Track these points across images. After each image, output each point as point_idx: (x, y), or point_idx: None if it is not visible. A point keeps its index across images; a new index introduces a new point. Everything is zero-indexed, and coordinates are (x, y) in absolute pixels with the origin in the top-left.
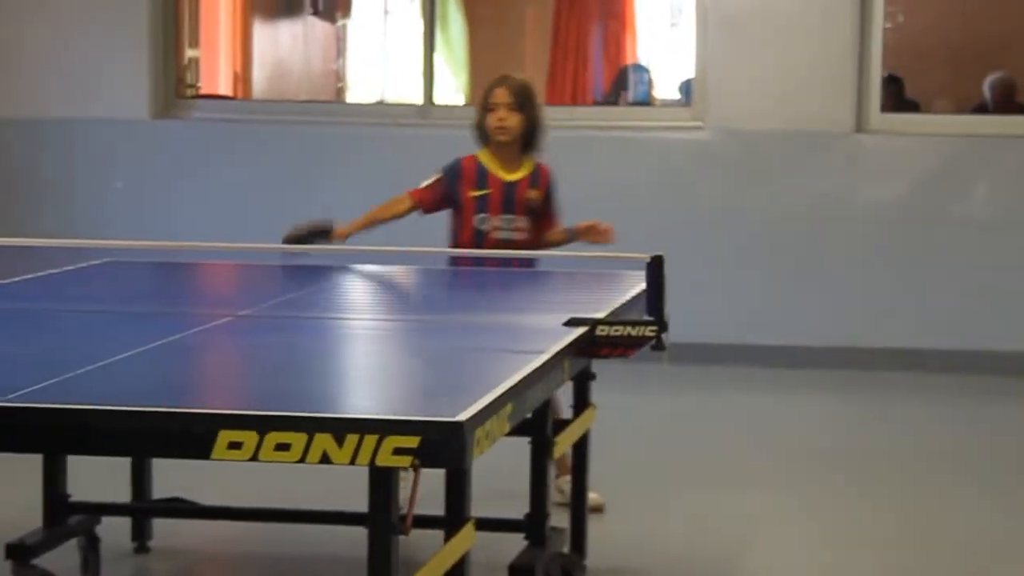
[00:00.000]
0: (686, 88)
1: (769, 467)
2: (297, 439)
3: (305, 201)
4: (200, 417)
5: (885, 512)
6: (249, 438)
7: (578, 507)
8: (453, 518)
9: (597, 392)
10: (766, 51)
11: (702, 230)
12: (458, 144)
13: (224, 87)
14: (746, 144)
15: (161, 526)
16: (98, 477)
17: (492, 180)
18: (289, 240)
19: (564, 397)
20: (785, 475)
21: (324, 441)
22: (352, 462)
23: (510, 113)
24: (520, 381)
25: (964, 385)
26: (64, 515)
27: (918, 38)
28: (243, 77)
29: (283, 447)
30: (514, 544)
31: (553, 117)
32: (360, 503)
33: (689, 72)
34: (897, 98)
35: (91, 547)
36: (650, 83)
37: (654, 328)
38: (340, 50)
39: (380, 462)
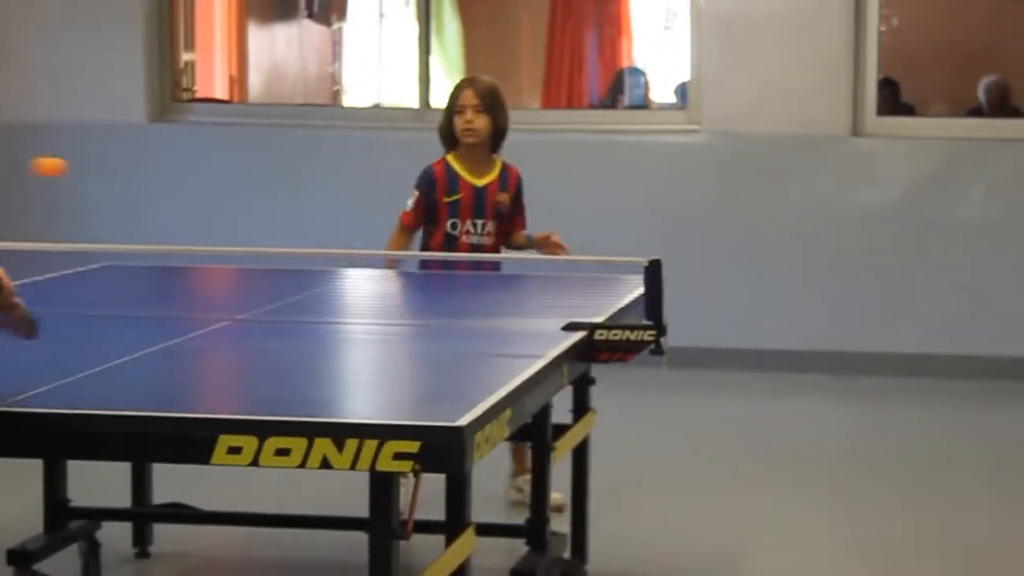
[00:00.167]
0: (682, 91)
1: (768, 471)
2: (297, 444)
3: (301, 204)
4: (200, 422)
5: (886, 516)
6: (249, 443)
7: (578, 511)
8: (454, 523)
9: (596, 396)
10: (761, 54)
11: (699, 234)
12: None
13: (220, 90)
14: (742, 147)
15: (162, 531)
16: (98, 482)
17: (463, 184)
18: None
19: (563, 401)
20: (785, 479)
21: (324, 446)
22: (352, 467)
23: (477, 115)
24: (519, 386)
25: (960, 389)
26: (65, 520)
27: (913, 41)
28: (239, 80)
29: (283, 452)
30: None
31: (549, 121)
32: (361, 508)
33: (684, 75)
34: (892, 101)
35: (92, 552)
36: (646, 86)
37: (653, 332)
38: (336, 53)
39: (380, 467)
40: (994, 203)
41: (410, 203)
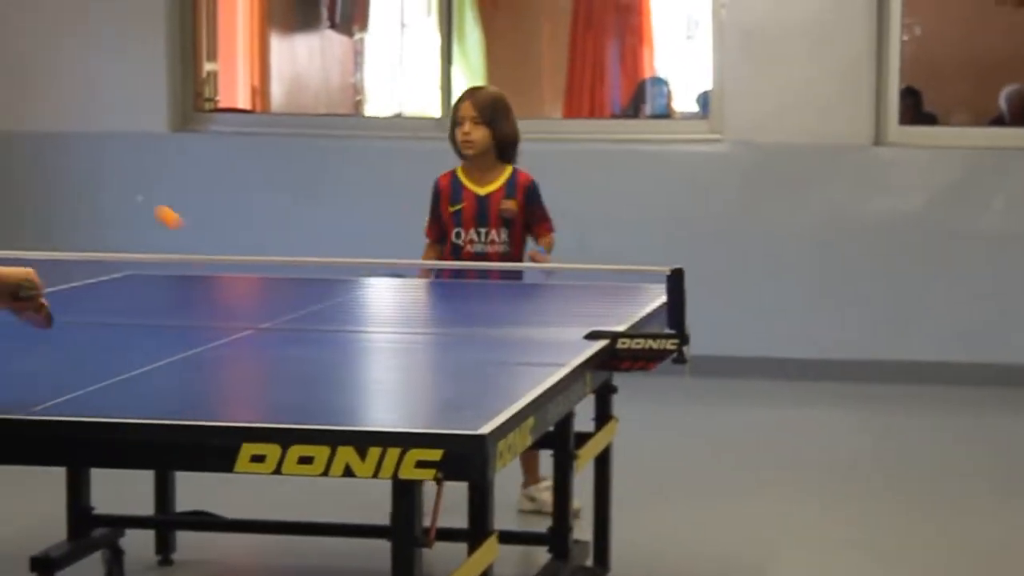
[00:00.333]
0: (704, 101)
1: (789, 479)
2: (320, 452)
3: (323, 214)
4: (223, 430)
5: (904, 523)
6: (272, 451)
7: (600, 519)
8: (476, 531)
9: (618, 405)
10: (783, 64)
11: (721, 243)
12: None
13: (242, 100)
14: (764, 157)
15: (185, 539)
16: (122, 490)
17: (466, 194)
18: None
19: (585, 410)
20: (805, 487)
21: (347, 454)
22: (375, 475)
23: (475, 127)
24: (542, 394)
25: (978, 398)
26: (88, 528)
27: (936, 51)
28: (261, 90)
29: (306, 460)
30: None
31: (571, 130)
32: (383, 516)
33: (706, 85)
34: (915, 111)
35: (115, 560)
36: (668, 96)
37: (675, 341)
38: (357, 63)
39: (403, 475)
40: (1016, 212)
41: (427, 217)
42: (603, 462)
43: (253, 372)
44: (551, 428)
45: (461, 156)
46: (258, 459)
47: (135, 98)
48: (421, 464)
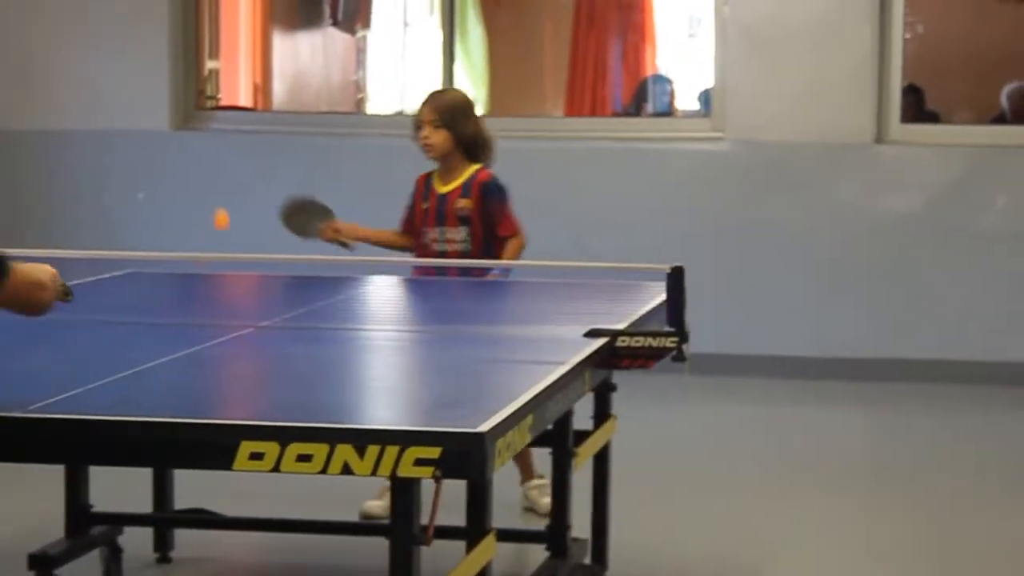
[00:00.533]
0: (706, 99)
1: (791, 478)
2: (319, 450)
3: None
4: (222, 428)
5: (910, 522)
6: (271, 449)
7: (598, 517)
8: (474, 529)
9: (617, 403)
10: (785, 62)
11: (722, 241)
12: None
13: (244, 98)
14: (766, 155)
15: (183, 536)
16: (120, 487)
17: (431, 192)
18: (288, 209)
19: (584, 408)
20: (807, 485)
21: (345, 452)
22: (374, 473)
23: (434, 130)
24: (541, 392)
25: (984, 395)
26: (86, 525)
27: (938, 49)
28: (263, 88)
29: (305, 458)
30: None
31: (573, 128)
32: None
33: (708, 83)
34: (917, 109)
35: (113, 557)
36: (671, 94)
37: (675, 339)
38: (360, 61)
39: (401, 473)
40: (1018, 210)
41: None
42: (602, 460)
43: (252, 370)
44: (550, 426)
45: (429, 159)
46: (257, 457)
47: (137, 96)
48: (419, 462)
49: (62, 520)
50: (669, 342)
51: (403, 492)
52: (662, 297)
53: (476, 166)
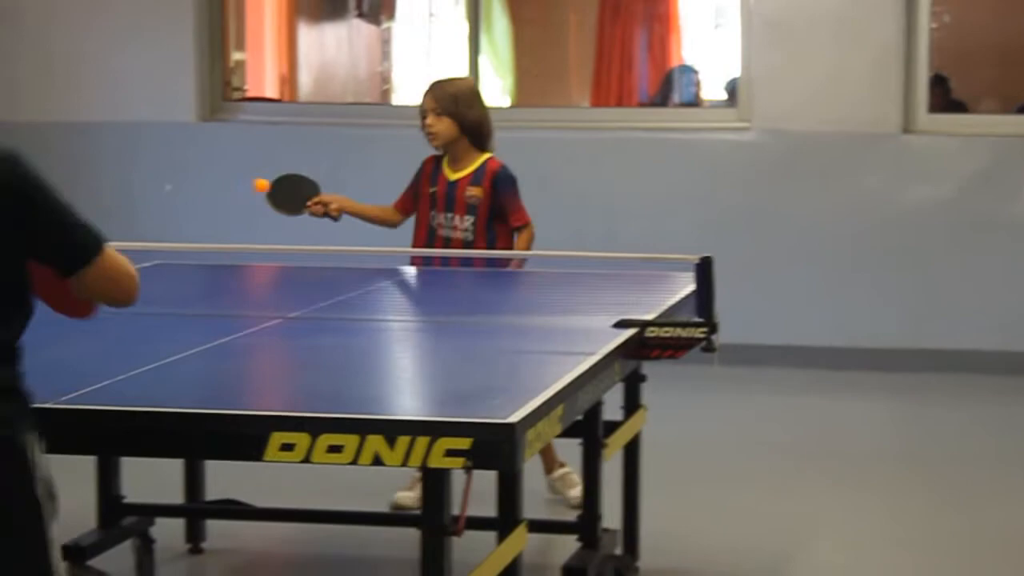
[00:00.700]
0: (731, 89)
1: (820, 468)
2: (349, 441)
3: None
4: (253, 419)
5: (938, 513)
6: (301, 440)
7: (629, 508)
8: (505, 520)
9: (647, 393)
10: (811, 52)
11: (749, 231)
12: (504, 145)
13: (270, 90)
14: (792, 145)
15: (215, 527)
16: (152, 478)
17: (440, 178)
18: (277, 184)
19: (614, 398)
20: (836, 476)
21: (376, 443)
22: (404, 464)
23: (437, 119)
24: (571, 383)
25: (1012, 386)
26: (118, 516)
27: (965, 38)
28: (289, 80)
29: (335, 449)
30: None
31: (599, 119)
32: None
33: (734, 73)
34: (944, 98)
35: (145, 548)
36: (697, 84)
37: (704, 329)
38: (385, 52)
39: (432, 464)
40: None
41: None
42: (632, 451)
43: (282, 361)
44: (580, 417)
45: (433, 148)
46: (287, 448)
47: (164, 88)
48: (450, 453)
49: (94, 511)
50: (698, 332)
51: (434, 483)
52: (691, 287)
53: (486, 155)
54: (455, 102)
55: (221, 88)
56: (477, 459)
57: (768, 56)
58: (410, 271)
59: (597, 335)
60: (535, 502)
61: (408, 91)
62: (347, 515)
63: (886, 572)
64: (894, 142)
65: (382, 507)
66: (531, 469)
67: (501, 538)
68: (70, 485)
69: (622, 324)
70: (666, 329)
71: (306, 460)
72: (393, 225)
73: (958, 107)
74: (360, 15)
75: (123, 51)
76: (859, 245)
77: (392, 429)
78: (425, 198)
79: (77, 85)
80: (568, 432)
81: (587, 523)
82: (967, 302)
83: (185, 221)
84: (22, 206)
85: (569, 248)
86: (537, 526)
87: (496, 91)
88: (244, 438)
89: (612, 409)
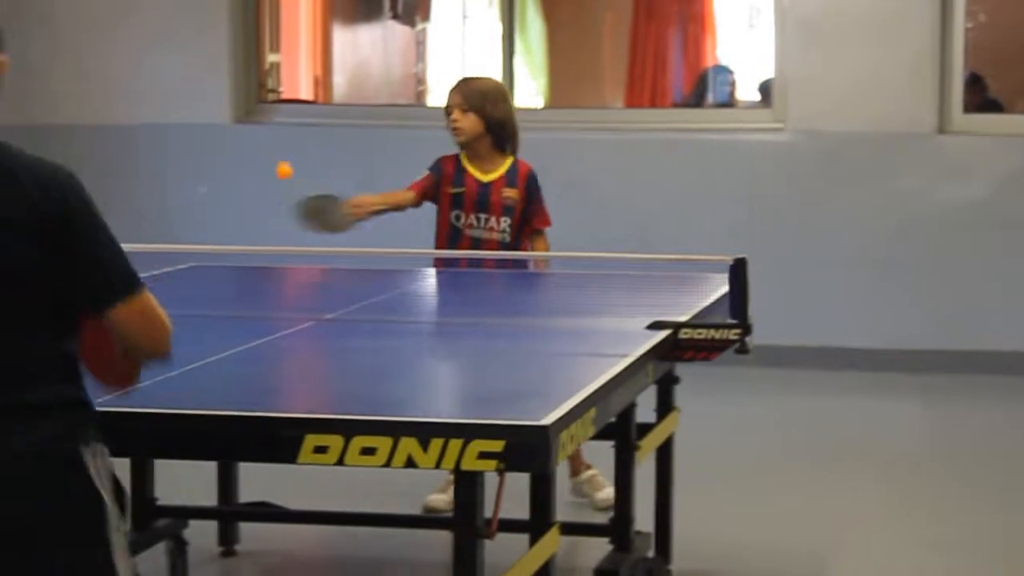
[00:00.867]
0: (766, 90)
1: (854, 470)
2: (382, 443)
3: None
4: (286, 421)
5: (973, 515)
6: (335, 442)
7: (662, 510)
8: (538, 522)
9: (680, 395)
10: (846, 52)
11: (784, 232)
12: (538, 147)
13: (305, 91)
14: (827, 145)
15: (248, 530)
16: (185, 481)
17: (468, 179)
18: (305, 210)
19: (647, 400)
20: (871, 478)
21: (409, 445)
22: (437, 466)
23: (463, 115)
24: (604, 385)
25: None
26: (152, 518)
27: (1000, 37)
28: (324, 81)
29: (368, 451)
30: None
31: (633, 120)
32: None
33: (768, 74)
34: (980, 98)
35: (179, 550)
36: (732, 85)
37: (738, 331)
38: (420, 54)
39: (465, 466)
40: None
41: (421, 177)
42: (665, 453)
43: (316, 363)
44: (613, 419)
45: (457, 144)
46: (321, 450)
47: (198, 90)
48: (483, 455)
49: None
50: (732, 334)
51: (467, 485)
52: (725, 289)
53: (511, 157)
54: (482, 99)
55: (256, 90)
56: (510, 461)
57: (802, 56)
58: (440, 272)
59: (630, 337)
60: (560, 504)
61: (442, 93)
62: (380, 517)
63: (922, 574)
64: (929, 142)
65: (415, 509)
66: (563, 471)
67: (533, 540)
68: None
69: (656, 326)
70: (700, 331)
71: (339, 462)
72: (414, 206)
73: (994, 107)
74: (394, 16)
75: (157, 54)
76: (893, 246)
77: (425, 431)
78: (447, 198)
79: (111, 87)
80: (601, 434)
81: (619, 525)
82: (1002, 303)
83: (219, 223)
84: (71, 226)
85: (603, 249)
86: (569, 528)
87: (530, 92)
88: (278, 440)
89: (645, 411)
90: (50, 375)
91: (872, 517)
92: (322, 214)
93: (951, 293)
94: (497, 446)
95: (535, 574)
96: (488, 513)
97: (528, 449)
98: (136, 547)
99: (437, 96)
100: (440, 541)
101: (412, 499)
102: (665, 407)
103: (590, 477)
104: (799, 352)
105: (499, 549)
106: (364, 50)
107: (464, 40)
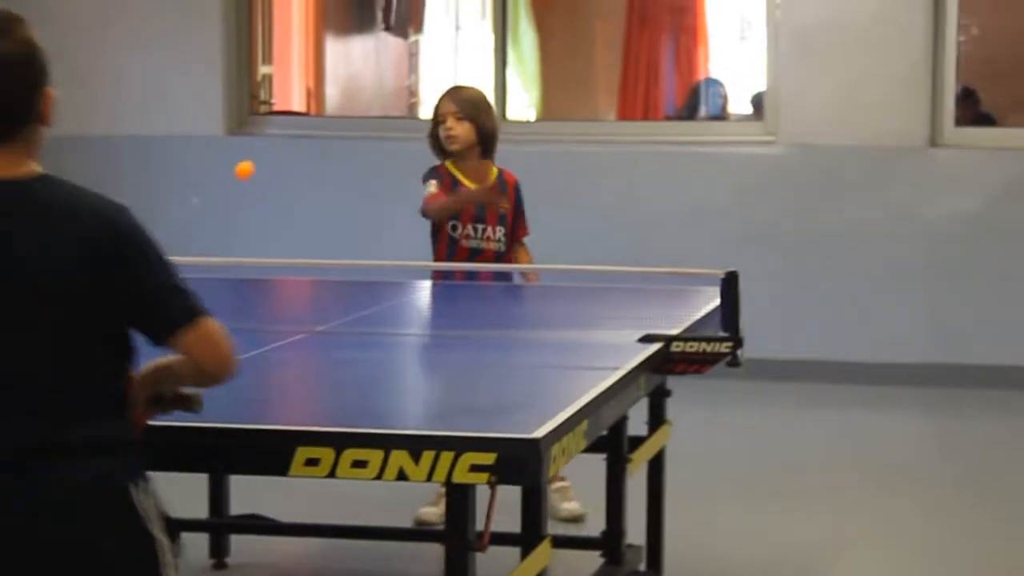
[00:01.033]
0: (758, 102)
1: (846, 484)
2: (374, 456)
3: (378, 216)
4: (278, 434)
5: (974, 529)
6: (326, 455)
7: (653, 523)
8: (530, 535)
9: (672, 408)
10: (838, 65)
11: (776, 245)
12: (530, 159)
13: (297, 103)
14: (819, 159)
15: (239, 542)
16: (176, 493)
17: (464, 189)
18: None
19: (639, 413)
20: (864, 492)
21: (401, 458)
22: (429, 479)
23: (458, 122)
24: (596, 398)
25: None
26: None
27: (993, 51)
28: (316, 93)
29: (360, 464)
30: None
31: (625, 132)
32: None
33: (760, 86)
34: (972, 112)
35: None
36: (724, 97)
37: (729, 344)
38: (412, 66)
39: (456, 479)
40: None
41: (433, 189)
42: (656, 466)
43: (307, 375)
44: (604, 432)
45: (442, 154)
46: (312, 463)
47: (191, 101)
48: (475, 468)
49: None
50: (724, 347)
51: (458, 498)
52: (716, 302)
53: (495, 167)
54: (476, 108)
55: (248, 101)
56: (502, 474)
57: (795, 70)
58: (435, 285)
59: (622, 350)
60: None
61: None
62: (371, 530)
63: None
64: (921, 156)
65: (406, 522)
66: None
67: (525, 553)
68: None
69: (647, 339)
70: (691, 344)
71: (331, 475)
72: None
73: (986, 120)
74: (387, 28)
75: (151, 64)
76: (886, 259)
77: (417, 444)
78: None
79: (104, 98)
80: (592, 447)
81: (611, 539)
82: (994, 316)
83: (212, 234)
84: (126, 264)
85: (594, 262)
86: (561, 542)
87: (522, 104)
88: (269, 453)
89: (637, 424)
90: (101, 413)
91: (866, 531)
92: None
93: (943, 306)
94: (488, 459)
95: None
96: (480, 526)
97: (519, 462)
98: None
99: (430, 108)
100: (432, 554)
101: (403, 512)
102: (657, 420)
103: (560, 487)
104: (791, 365)
105: (490, 562)
106: (357, 62)
107: (457, 52)
